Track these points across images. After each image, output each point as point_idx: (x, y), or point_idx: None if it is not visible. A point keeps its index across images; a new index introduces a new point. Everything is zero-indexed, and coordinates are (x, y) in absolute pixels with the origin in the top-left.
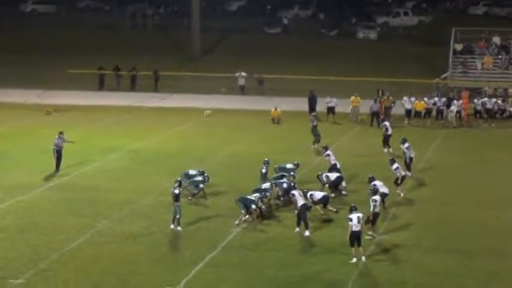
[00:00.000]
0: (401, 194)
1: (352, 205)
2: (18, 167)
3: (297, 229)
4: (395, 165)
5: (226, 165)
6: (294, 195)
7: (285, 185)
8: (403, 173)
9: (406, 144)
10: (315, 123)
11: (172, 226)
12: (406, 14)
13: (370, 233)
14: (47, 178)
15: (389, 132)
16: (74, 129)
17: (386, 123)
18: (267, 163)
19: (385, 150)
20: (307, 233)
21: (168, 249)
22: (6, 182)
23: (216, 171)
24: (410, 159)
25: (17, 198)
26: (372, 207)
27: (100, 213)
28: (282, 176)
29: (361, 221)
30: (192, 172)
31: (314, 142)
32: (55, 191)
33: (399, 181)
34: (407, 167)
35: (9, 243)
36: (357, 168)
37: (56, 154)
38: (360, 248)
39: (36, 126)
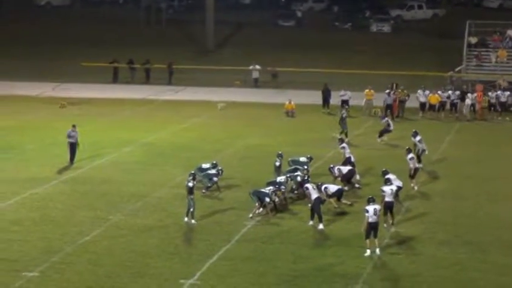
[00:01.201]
0: (415, 188)
1: (370, 196)
2: (32, 160)
3: (311, 222)
4: (410, 155)
5: (240, 158)
6: (307, 188)
7: (298, 178)
8: (417, 165)
9: (418, 137)
10: (344, 115)
11: (186, 219)
12: (420, 7)
13: (385, 225)
14: (61, 171)
15: (391, 128)
16: (88, 122)
17: (387, 119)
18: (280, 156)
19: (379, 140)
20: (321, 226)
21: (182, 242)
22: (21, 175)
23: (230, 164)
24: (423, 151)
25: (31, 191)
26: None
27: (114, 206)
28: (295, 169)
29: (378, 213)
30: (205, 166)
31: (345, 133)
32: (69, 184)
33: (412, 173)
34: (418, 158)
35: (23, 236)
36: (370, 161)
37: (69, 147)
38: (376, 240)
39: (51, 119)
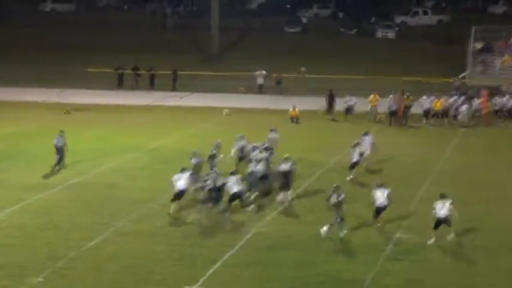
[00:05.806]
0: (350, 177)
1: (378, 181)
2: (36, 166)
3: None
4: (357, 149)
5: (244, 163)
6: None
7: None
8: (355, 159)
9: (368, 138)
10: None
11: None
12: (425, 13)
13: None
14: (65, 177)
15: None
16: (92, 128)
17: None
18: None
19: None
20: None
21: (186, 248)
22: (25, 180)
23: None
24: (363, 152)
25: (36, 196)
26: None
27: (118, 212)
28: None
29: (386, 196)
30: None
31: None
32: (73, 189)
33: (352, 164)
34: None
35: (27, 241)
36: (374, 166)
37: (56, 151)
38: (377, 220)
39: (56, 126)
